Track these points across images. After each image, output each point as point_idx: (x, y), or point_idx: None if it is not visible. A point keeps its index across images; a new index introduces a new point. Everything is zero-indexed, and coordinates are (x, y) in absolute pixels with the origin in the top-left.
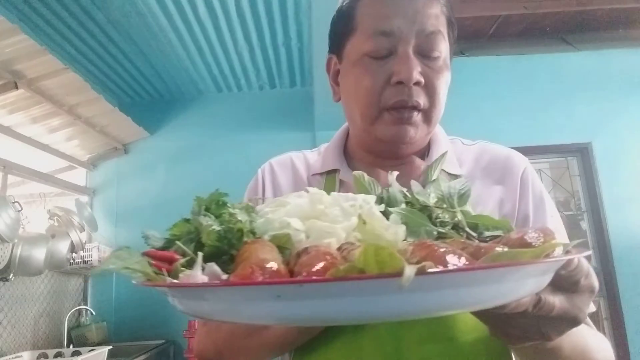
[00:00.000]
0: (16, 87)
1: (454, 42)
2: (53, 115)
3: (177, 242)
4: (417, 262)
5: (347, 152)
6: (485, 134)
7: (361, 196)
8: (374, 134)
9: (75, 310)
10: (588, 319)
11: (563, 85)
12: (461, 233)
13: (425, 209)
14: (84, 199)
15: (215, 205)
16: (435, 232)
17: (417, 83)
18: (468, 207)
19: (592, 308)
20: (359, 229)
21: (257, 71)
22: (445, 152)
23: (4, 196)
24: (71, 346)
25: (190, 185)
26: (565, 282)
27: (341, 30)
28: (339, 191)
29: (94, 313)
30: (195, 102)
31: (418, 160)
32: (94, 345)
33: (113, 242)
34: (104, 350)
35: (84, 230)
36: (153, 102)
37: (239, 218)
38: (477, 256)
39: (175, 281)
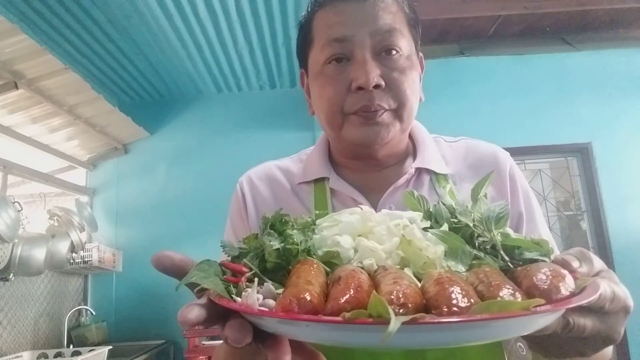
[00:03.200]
0: (16, 87)
1: (419, 39)
2: (53, 115)
3: (244, 260)
4: (430, 297)
5: (332, 159)
6: (485, 133)
7: (408, 214)
8: (345, 139)
9: (75, 310)
10: None
11: (563, 85)
12: (498, 255)
13: (467, 227)
14: (84, 199)
15: (278, 222)
16: (472, 253)
17: (378, 86)
18: (508, 230)
19: None
20: (403, 248)
21: (257, 71)
22: (492, 172)
23: (4, 196)
24: (71, 346)
25: (190, 185)
26: (592, 308)
27: (302, 44)
28: (331, 199)
29: (94, 313)
30: (195, 102)
31: None
32: (94, 345)
33: (113, 242)
34: (104, 350)
35: (84, 230)
36: (153, 102)
37: (295, 239)
38: (484, 294)
39: (238, 300)
